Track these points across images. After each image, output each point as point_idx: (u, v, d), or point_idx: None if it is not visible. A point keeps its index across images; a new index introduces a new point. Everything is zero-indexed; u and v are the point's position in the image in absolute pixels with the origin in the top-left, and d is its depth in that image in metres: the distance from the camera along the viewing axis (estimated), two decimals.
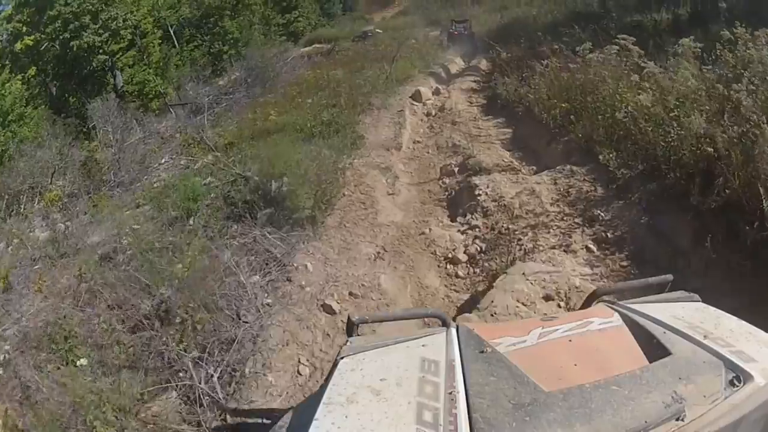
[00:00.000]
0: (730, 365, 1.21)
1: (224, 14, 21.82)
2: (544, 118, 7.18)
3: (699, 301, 1.65)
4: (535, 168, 6.54)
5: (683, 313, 1.49)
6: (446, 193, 6.68)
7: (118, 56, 18.13)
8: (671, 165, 4.48)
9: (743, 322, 1.45)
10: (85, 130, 14.41)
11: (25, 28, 17.16)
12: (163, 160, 10.19)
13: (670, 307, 1.57)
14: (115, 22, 17.17)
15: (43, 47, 17.12)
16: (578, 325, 1.48)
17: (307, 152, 6.66)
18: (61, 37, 16.81)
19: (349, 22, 29.63)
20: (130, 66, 18.63)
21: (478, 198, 5.77)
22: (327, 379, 1.37)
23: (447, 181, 6.96)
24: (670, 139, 4.56)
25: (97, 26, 16.89)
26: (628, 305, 1.60)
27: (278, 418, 1.83)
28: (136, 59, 18.70)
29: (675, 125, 4.54)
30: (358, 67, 13.56)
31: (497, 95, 9.74)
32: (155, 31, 19.30)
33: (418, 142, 8.94)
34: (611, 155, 5.16)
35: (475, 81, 12.70)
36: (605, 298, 1.81)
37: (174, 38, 20.66)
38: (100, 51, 17.43)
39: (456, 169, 7.04)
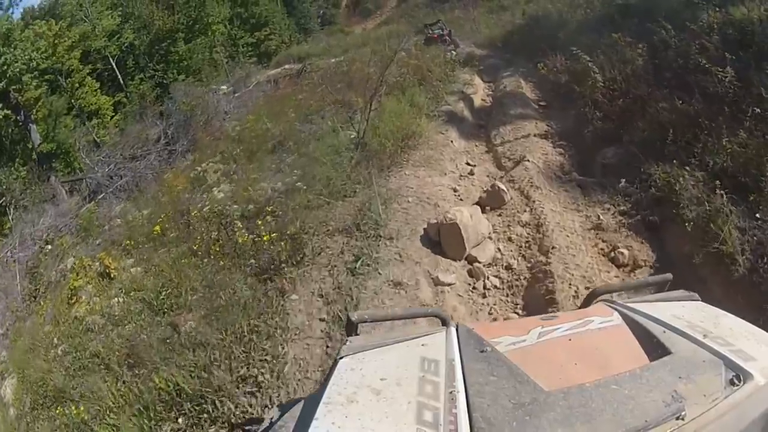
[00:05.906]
0: (730, 364, 1.21)
1: (177, 37, 18.55)
2: None
3: (698, 300, 1.65)
4: None
5: (683, 312, 1.49)
6: None
7: (37, 106, 14.34)
8: None
9: (743, 321, 1.45)
10: None
11: None
12: None
13: (669, 306, 1.57)
14: (11, 68, 13.45)
15: None
16: (578, 324, 1.47)
17: None
18: None
19: (326, 37, 27.04)
20: (45, 119, 14.72)
21: None
22: (327, 379, 1.36)
23: None
24: None
25: None
26: (627, 304, 1.60)
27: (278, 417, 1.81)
28: (56, 107, 15.00)
29: None
30: (315, 108, 9.28)
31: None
32: (81, 68, 15.79)
33: None
34: None
35: (542, 135, 7.16)
36: (605, 297, 1.81)
37: (117, 71, 17.42)
38: None
39: None
